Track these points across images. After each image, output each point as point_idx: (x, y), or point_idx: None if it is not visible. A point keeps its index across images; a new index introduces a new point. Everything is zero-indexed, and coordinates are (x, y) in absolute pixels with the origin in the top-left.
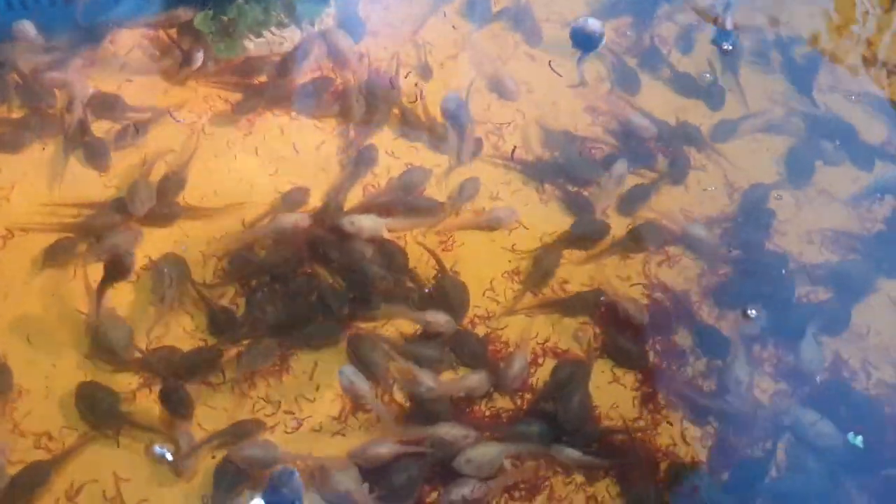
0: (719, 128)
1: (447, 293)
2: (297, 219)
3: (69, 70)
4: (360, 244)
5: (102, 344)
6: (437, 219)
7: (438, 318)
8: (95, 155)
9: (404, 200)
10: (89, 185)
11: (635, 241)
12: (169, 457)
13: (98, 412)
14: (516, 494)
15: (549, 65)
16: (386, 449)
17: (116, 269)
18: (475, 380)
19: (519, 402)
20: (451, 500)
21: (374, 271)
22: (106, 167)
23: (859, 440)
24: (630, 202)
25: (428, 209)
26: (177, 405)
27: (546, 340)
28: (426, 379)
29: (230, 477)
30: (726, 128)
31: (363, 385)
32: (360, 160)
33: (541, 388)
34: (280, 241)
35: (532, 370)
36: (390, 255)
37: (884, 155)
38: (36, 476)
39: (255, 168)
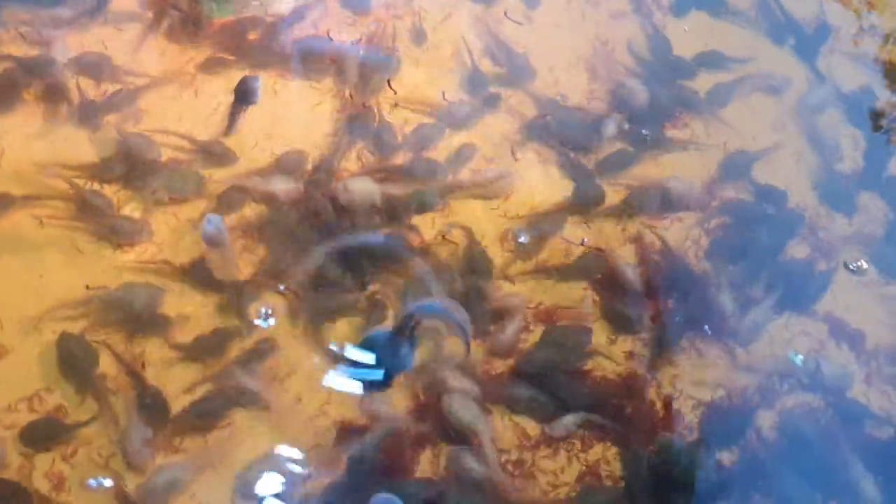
0: (717, 91)
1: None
2: (289, 188)
3: (55, 32)
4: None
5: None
6: (435, 183)
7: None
8: (85, 116)
9: (402, 166)
10: (79, 148)
11: (631, 205)
12: (107, 484)
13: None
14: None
15: (505, 14)
16: None
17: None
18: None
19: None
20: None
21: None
22: (96, 128)
23: (799, 359)
24: (615, 165)
25: (426, 173)
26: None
27: (539, 304)
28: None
29: None
30: (724, 90)
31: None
32: (352, 124)
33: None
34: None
35: (525, 335)
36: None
37: None
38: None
39: (249, 130)
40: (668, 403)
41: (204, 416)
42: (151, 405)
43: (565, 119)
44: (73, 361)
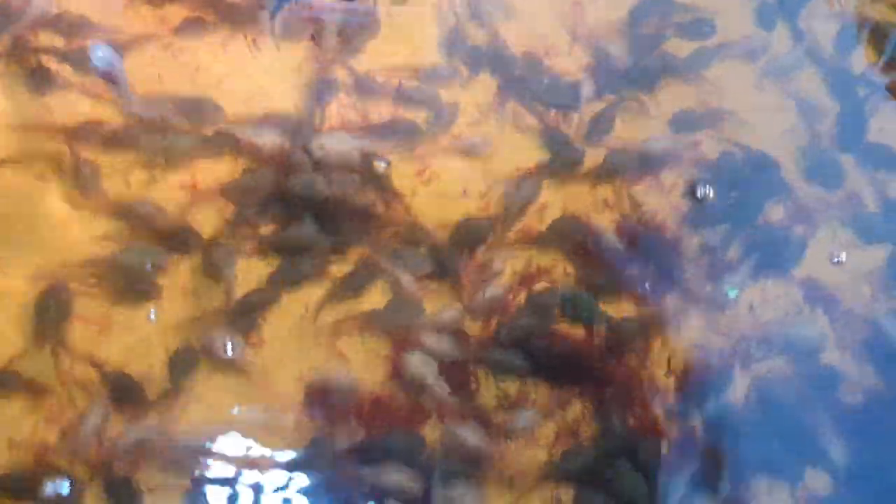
0: (698, 53)
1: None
2: (275, 142)
3: None
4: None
5: None
6: (414, 142)
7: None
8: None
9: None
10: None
11: (609, 168)
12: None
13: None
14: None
15: None
16: None
17: None
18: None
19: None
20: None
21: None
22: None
23: (734, 293)
24: (593, 128)
25: (405, 131)
26: None
27: (520, 270)
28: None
29: None
30: (706, 52)
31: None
32: (326, 83)
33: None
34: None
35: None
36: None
37: None
38: None
39: (227, 91)
40: (644, 367)
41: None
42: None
43: (545, 81)
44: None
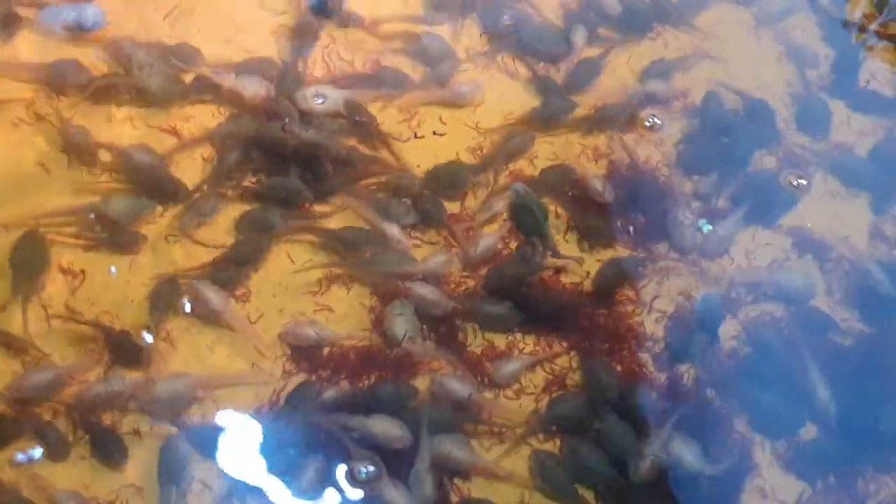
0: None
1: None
2: (259, 89)
3: None
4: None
5: None
6: (401, 91)
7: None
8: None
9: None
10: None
11: (601, 118)
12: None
13: None
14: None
15: None
16: None
17: None
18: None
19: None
20: None
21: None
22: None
23: (707, 228)
24: (584, 76)
25: (393, 81)
26: None
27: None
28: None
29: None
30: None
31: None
32: (304, 27)
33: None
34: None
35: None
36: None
37: None
38: None
39: (204, 36)
40: (633, 314)
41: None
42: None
43: (535, 29)
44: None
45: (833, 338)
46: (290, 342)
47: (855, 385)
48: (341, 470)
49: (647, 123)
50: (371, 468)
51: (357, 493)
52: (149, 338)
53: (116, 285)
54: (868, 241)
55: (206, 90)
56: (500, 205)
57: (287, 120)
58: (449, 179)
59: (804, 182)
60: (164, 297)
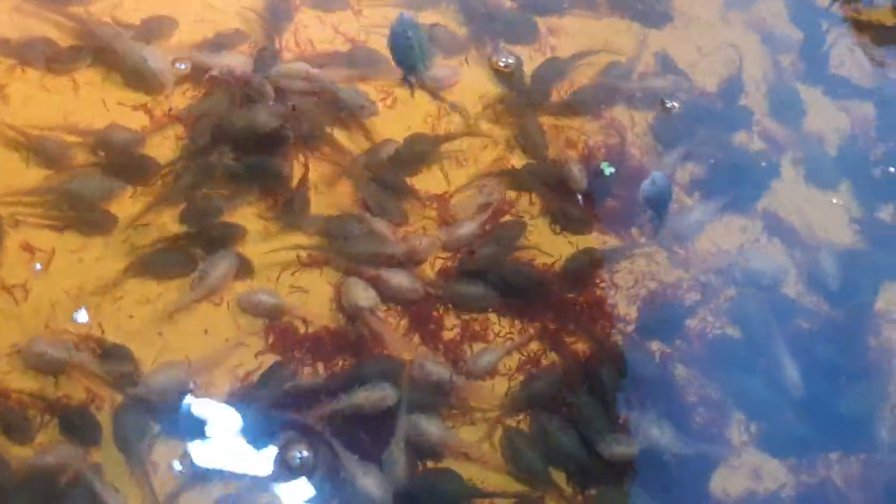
0: None
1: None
2: (237, 63)
3: None
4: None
5: None
6: (377, 70)
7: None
8: None
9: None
10: None
11: (577, 103)
12: None
13: None
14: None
15: None
16: None
17: None
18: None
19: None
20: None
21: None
22: None
23: (610, 171)
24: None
25: (367, 60)
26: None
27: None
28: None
29: None
30: None
31: None
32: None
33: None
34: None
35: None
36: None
37: None
38: None
39: (182, 12)
40: (606, 296)
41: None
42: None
43: (507, 16)
44: None
45: (800, 322)
46: (245, 309)
47: (820, 368)
48: (274, 456)
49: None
50: (305, 453)
51: (292, 480)
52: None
53: (83, 265)
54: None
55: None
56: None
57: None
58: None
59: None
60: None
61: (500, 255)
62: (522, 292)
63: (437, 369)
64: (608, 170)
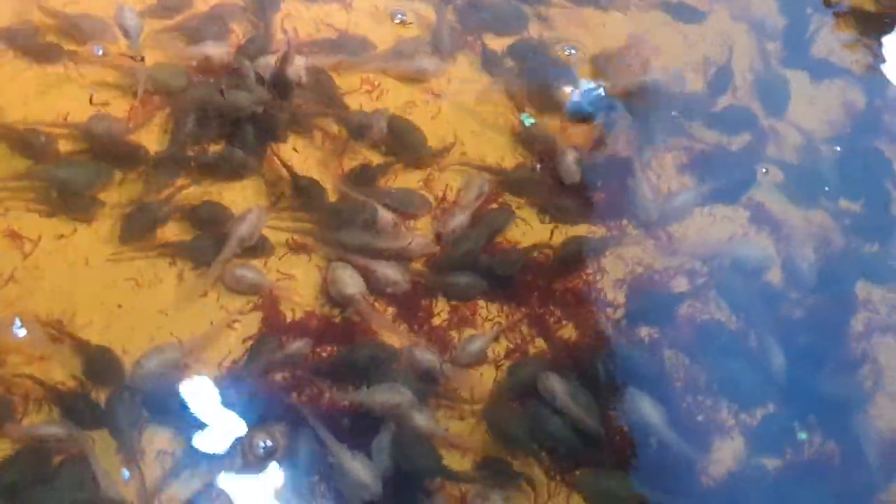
0: None
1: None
2: (220, 52)
3: None
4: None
5: None
6: (363, 59)
7: None
8: None
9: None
10: None
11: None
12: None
13: None
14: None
15: None
16: None
17: None
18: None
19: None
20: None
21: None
22: None
23: (529, 122)
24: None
25: (354, 48)
26: None
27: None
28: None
29: None
30: None
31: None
32: None
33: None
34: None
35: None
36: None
37: None
38: None
39: None
40: (593, 284)
41: None
42: None
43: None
44: None
45: (786, 310)
46: (229, 285)
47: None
48: (238, 444)
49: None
50: (269, 443)
51: (256, 468)
52: None
53: (72, 251)
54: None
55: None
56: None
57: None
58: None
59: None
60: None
61: (484, 242)
62: (509, 280)
63: (427, 357)
64: (528, 121)
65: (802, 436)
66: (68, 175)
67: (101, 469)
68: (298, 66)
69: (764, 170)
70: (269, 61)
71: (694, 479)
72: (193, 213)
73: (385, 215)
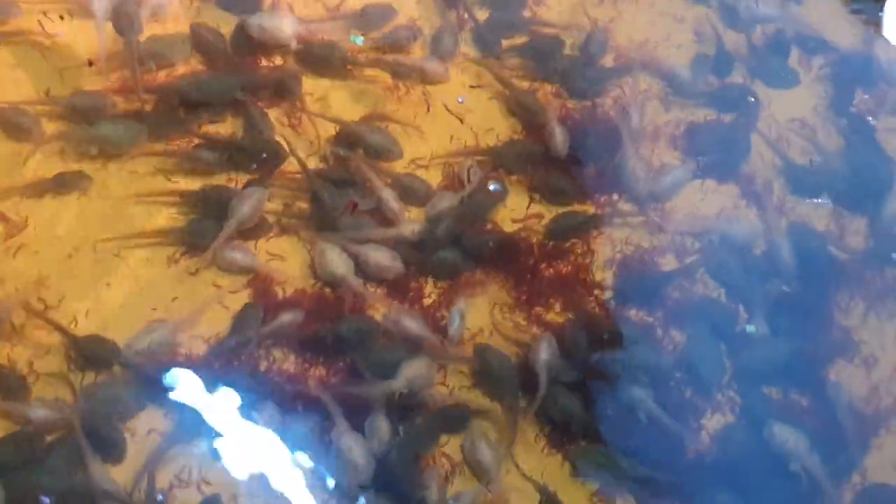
0: None
1: None
2: None
3: None
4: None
5: None
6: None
7: None
8: None
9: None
10: None
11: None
12: None
13: None
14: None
15: None
16: None
17: None
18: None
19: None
20: None
21: None
22: None
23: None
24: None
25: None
26: None
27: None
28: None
29: None
30: None
31: None
32: None
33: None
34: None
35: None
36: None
37: None
38: None
39: None
40: (584, 263)
41: None
42: None
43: None
44: None
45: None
46: (220, 265)
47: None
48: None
49: None
50: (263, 418)
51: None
52: None
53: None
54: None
55: None
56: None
57: None
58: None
59: None
60: None
61: (471, 220)
62: (495, 258)
63: (414, 324)
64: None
65: (751, 329)
66: (109, 132)
67: (91, 452)
68: (283, 24)
69: None
70: (262, 23)
71: (681, 455)
72: (191, 195)
73: (391, 199)
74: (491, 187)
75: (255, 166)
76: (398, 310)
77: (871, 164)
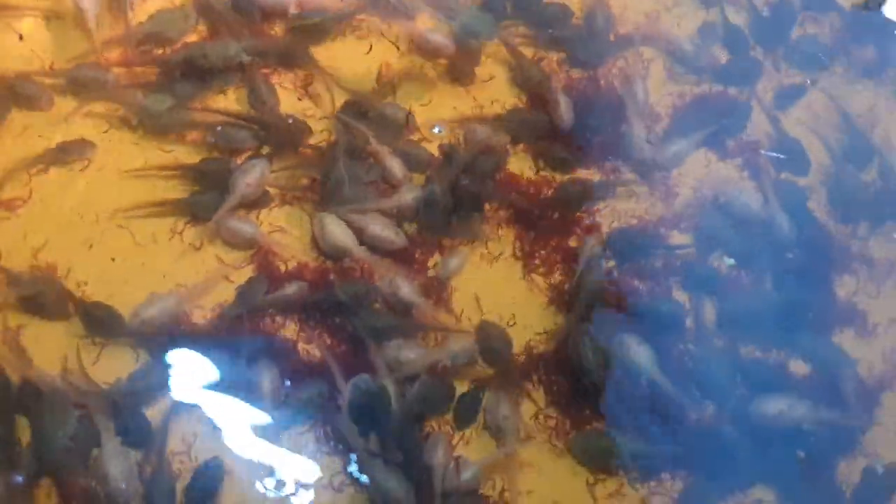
0: None
1: None
2: None
3: None
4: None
5: None
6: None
7: None
8: None
9: None
10: None
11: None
12: None
13: None
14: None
15: None
16: None
17: None
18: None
19: None
20: None
21: None
22: None
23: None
24: None
25: None
26: None
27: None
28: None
29: None
30: None
31: None
32: None
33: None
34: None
35: None
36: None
37: None
38: None
39: None
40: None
41: None
42: None
43: None
44: None
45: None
46: (225, 237)
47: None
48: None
49: None
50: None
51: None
52: None
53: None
54: None
55: None
56: None
57: None
58: None
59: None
60: None
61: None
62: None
63: (408, 289)
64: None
65: (729, 261)
66: (151, 102)
67: (109, 433)
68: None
69: None
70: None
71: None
72: (194, 168)
73: (396, 167)
74: (435, 130)
75: (275, 144)
76: (393, 272)
77: None
